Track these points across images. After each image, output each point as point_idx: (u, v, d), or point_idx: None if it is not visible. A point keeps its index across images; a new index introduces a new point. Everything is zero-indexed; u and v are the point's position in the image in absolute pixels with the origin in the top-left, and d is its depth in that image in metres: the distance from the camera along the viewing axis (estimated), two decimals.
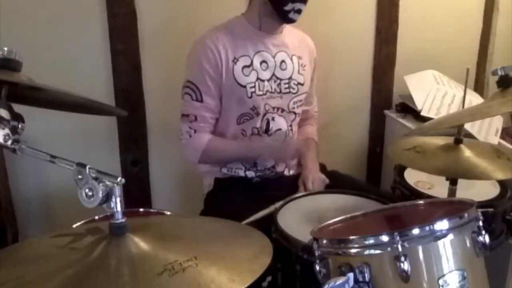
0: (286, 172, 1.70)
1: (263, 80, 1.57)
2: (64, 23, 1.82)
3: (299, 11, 1.48)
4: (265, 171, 1.65)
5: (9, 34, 1.70)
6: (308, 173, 1.64)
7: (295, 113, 1.67)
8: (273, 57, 1.58)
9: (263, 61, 1.57)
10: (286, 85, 1.61)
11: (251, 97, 1.55)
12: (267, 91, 1.58)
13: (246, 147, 1.62)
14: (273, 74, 1.58)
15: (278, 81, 1.60)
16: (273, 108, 1.61)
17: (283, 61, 1.60)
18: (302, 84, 1.65)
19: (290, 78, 1.62)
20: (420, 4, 2.22)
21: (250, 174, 1.65)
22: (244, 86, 1.54)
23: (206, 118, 1.55)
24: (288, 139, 1.67)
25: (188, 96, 1.53)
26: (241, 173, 1.65)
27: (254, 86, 1.55)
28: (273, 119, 1.61)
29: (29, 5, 1.77)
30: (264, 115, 1.59)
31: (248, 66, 1.54)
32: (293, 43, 1.63)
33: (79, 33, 1.85)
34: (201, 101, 1.52)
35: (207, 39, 1.53)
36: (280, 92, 1.61)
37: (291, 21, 1.51)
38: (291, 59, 1.62)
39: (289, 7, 1.46)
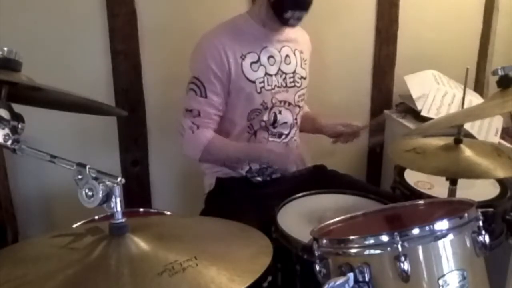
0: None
1: (271, 75, 1.58)
2: (64, 23, 1.82)
3: (299, 18, 1.51)
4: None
5: (9, 34, 1.70)
6: (328, 123, 1.75)
7: (299, 106, 1.68)
8: (279, 51, 1.60)
9: (270, 56, 1.58)
10: (291, 79, 1.63)
11: (260, 92, 1.56)
12: (275, 85, 1.59)
13: (247, 149, 1.61)
14: (279, 69, 1.60)
15: (284, 75, 1.61)
16: (280, 101, 1.61)
17: (287, 55, 1.62)
18: (304, 78, 1.67)
19: (294, 72, 1.63)
20: (420, 4, 2.22)
21: (254, 166, 1.64)
22: (254, 82, 1.55)
23: (210, 114, 1.54)
24: (290, 148, 1.66)
25: (192, 92, 1.53)
26: (245, 164, 1.64)
27: (263, 81, 1.56)
28: (280, 112, 1.62)
29: (29, 6, 1.77)
30: (271, 108, 1.60)
31: (255, 62, 1.55)
32: (296, 38, 1.65)
33: (79, 33, 1.85)
34: (205, 97, 1.52)
35: (213, 36, 1.54)
36: (286, 86, 1.62)
37: (291, 26, 1.54)
38: (294, 54, 1.64)
39: (289, 14, 1.48)
